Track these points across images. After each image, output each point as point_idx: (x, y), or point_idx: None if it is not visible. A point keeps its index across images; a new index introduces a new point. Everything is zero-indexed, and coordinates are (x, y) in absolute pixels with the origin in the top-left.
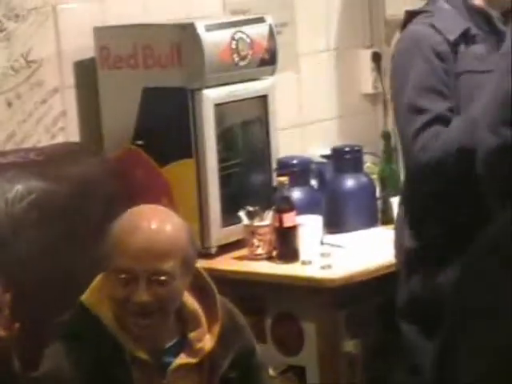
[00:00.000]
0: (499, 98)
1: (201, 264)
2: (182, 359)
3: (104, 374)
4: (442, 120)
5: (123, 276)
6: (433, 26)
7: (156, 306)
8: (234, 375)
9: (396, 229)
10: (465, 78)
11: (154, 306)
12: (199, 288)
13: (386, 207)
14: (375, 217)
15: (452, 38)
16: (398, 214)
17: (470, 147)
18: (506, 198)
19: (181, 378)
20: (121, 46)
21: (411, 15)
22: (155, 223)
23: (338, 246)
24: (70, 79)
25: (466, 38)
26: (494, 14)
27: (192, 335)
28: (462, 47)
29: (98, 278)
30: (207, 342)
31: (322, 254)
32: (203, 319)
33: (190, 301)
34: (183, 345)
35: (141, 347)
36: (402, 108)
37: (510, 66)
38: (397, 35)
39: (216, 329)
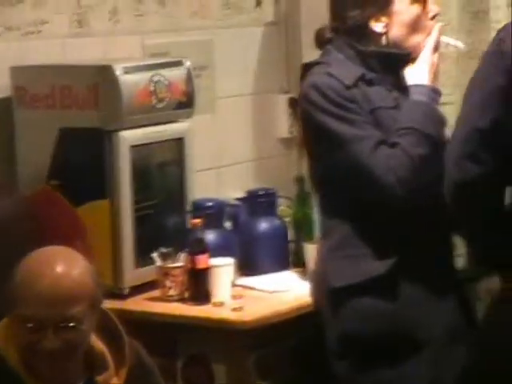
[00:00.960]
0: (465, 132)
1: (113, 305)
2: None
3: None
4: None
5: (29, 325)
6: (330, 74)
7: (64, 351)
8: None
9: (317, 268)
10: (379, 113)
11: (62, 351)
12: (107, 330)
13: (298, 250)
14: (287, 260)
15: (349, 82)
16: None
17: None
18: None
19: None
20: (38, 86)
21: (308, 67)
22: (59, 268)
23: (250, 288)
24: None
25: (362, 82)
26: (388, 49)
27: (99, 378)
28: (360, 90)
29: (5, 318)
30: None
31: (234, 296)
32: (111, 362)
33: (98, 343)
34: None
35: None
36: (343, 149)
37: (483, 101)
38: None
39: (123, 372)
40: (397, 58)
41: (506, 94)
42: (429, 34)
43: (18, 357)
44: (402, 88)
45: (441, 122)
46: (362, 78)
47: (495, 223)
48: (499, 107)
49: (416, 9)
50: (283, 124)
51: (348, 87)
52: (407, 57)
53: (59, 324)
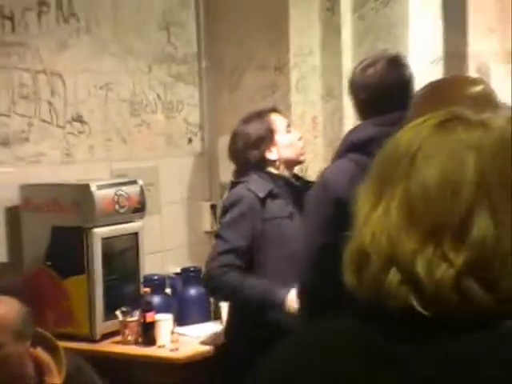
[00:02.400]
0: (308, 250)
1: (88, 347)
2: None
3: None
4: (237, 252)
5: None
6: (249, 189)
7: None
8: None
9: (227, 320)
10: (271, 222)
11: None
12: (49, 347)
13: (217, 308)
14: (209, 314)
15: (261, 195)
16: (229, 310)
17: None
18: None
19: None
20: (37, 198)
21: (234, 183)
22: None
23: (183, 335)
24: (2, 220)
25: (271, 195)
26: (288, 175)
27: (46, 379)
28: (268, 201)
29: None
30: (57, 380)
31: (172, 341)
32: (54, 367)
33: (44, 355)
34: None
35: None
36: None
37: (318, 227)
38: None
39: (62, 374)
40: (294, 184)
41: (334, 221)
42: (301, 148)
43: None
44: (298, 203)
45: None
46: (270, 192)
47: None
48: (330, 232)
49: (290, 136)
50: (207, 222)
51: (260, 198)
52: (301, 186)
53: None
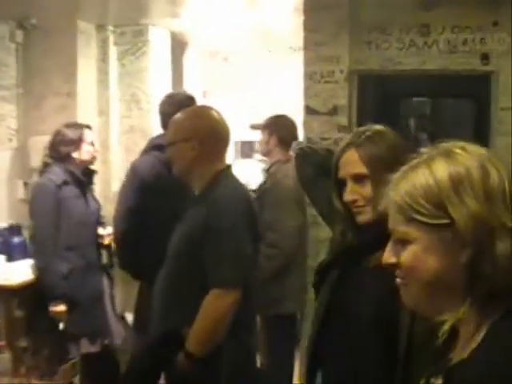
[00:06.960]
0: (122, 212)
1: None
2: None
3: None
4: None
5: None
6: (50, 180)
7: None
8: None
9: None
10: (64, 200)
11: None
12: None
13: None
14: (26, 254)
15: (58, 183)
16: None
17: None
18: None
19: None
20: None
21: (42, 171)
22: None
23: (12, 268)
24: None
25: (65, 183)
26: (78, 172)
27: None
28: (64, 188)
29: None
30: None
31: (4, 274)
32: None
33: None
34: None
35: None
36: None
37: (127, 202)
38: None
39: None
40: (79, 177)
41: (138, 192)
42: (94, 156)
43: None
44: (83, 187)
45: None
46: (65, 181)
47: None
48: (136, 198)
49: (91, 147)
50: (21, 193)
51: (57, 185)
52: (85, 177)
53: None
